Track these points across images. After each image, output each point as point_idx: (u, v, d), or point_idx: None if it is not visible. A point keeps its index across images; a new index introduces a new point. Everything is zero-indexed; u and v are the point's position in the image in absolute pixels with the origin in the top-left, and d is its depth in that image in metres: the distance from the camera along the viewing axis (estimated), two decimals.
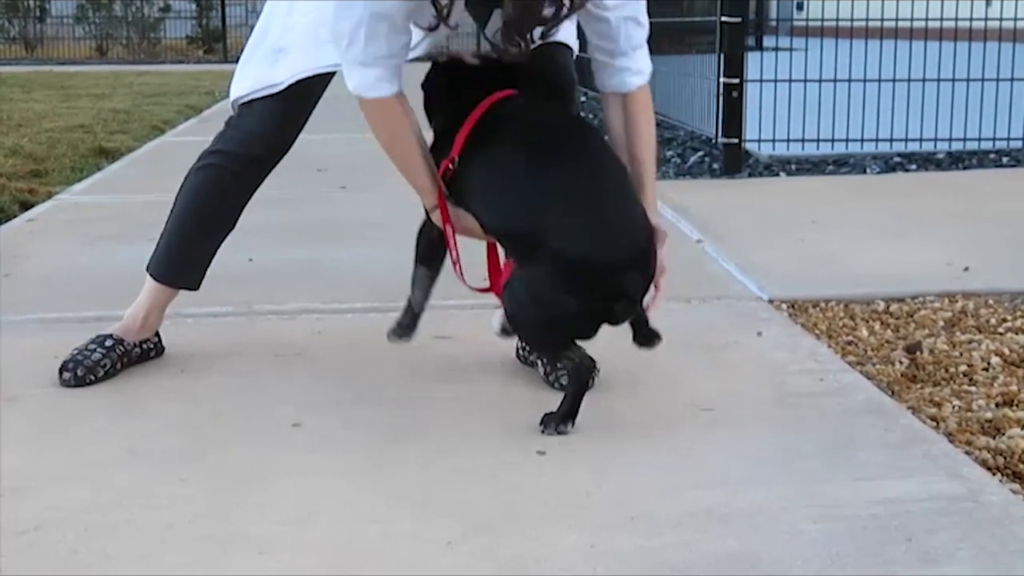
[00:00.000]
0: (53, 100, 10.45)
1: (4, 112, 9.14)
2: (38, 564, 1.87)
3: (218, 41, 20.21)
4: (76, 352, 2.77)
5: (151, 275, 2.89)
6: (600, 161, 2.40)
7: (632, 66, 2.48)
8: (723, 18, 5.74)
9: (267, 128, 2.75)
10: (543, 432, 2.39)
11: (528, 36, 2.31)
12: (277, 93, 2.71)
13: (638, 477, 2.20)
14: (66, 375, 2.72)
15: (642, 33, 2.48)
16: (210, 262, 2.91)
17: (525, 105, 2.48)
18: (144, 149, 7.25)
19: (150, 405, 2.62)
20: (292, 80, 2.68)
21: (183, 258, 2.88)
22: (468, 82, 2.53)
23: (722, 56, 5.81)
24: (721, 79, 5.81)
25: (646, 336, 2.41)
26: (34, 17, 20.42)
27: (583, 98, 9.64)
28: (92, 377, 2.73)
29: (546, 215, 2.30)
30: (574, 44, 2.73)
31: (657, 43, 7.54)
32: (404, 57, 2.42)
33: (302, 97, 2.73)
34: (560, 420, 2.40)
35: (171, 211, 2.87)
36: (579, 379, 2.40)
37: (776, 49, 6.22)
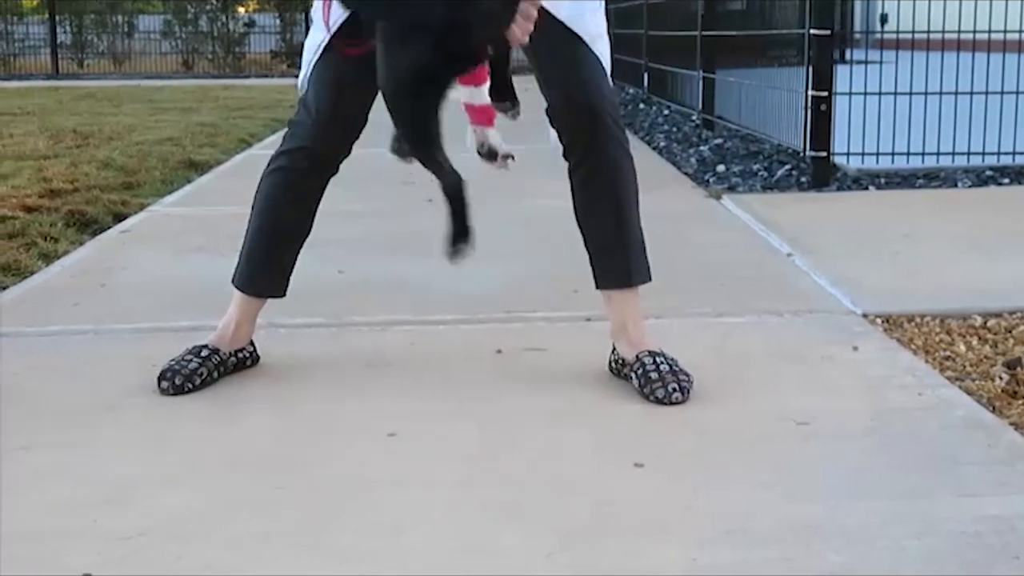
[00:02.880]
0: (142, 114, 10.63)
1: (95, 125, 9.31)
2: (144, 570, 1.90)
3: (301, 56, 20.41)
4: (173, 362, 2.81)
5: (235, 286, 2.92)
6: None
7: None
8: (812, 30, 5.69)
9: (318, 115, 2.77)
10: (448, 254, 2.45)
11: None
12: (312, 75, 2.78)
13: (736, 490, 2.18)
14: (165, 384, 2.75)
15: None
16: (292, 268, 2.93)
17: None
18: (232, 162, 7.34)
19: (246, 414, 2.64)
20: (315, 54, 2.77)
21: (264, 266, 2.91)
22: None
23: (810, 69, 5.77)
24: (809, 92, 5.76)
25: (457, 234, 2.45)
26: (122, 32, 20.78)
27: (666, 110, 9.60)
28: (190, 385, 2.76)
29: None
30: (603, 55, 2.74)
31: (742, 56, 7.51)
32: None
33: (337, 76, 2.74)
34: (452, 242, 2.44)
35: (249, 220, 2.91)
36: (452, 194, 2.41)
37: (865, 62, 6.15)
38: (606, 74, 2.75)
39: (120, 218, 5.28)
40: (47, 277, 4.08)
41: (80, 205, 5.40)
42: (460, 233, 2.46)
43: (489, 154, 2.59)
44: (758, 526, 2.02)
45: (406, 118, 2.41)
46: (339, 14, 2.66)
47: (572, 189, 2.79)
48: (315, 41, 2.77)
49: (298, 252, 2.92)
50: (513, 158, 2.66)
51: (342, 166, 2.85)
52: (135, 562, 1.92)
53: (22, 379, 2.92)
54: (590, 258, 2.82)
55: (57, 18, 20.34)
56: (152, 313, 3.51)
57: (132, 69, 20.05)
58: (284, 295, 2.94)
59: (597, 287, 2.83)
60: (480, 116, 2.59)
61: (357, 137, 2.82)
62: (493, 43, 2.36)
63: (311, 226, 2.91)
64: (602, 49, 2.75)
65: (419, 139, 2.43)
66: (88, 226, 5.07)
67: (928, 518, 2.04)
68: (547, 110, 2.72)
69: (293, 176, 2.82)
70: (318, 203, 2.88)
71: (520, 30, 2.40)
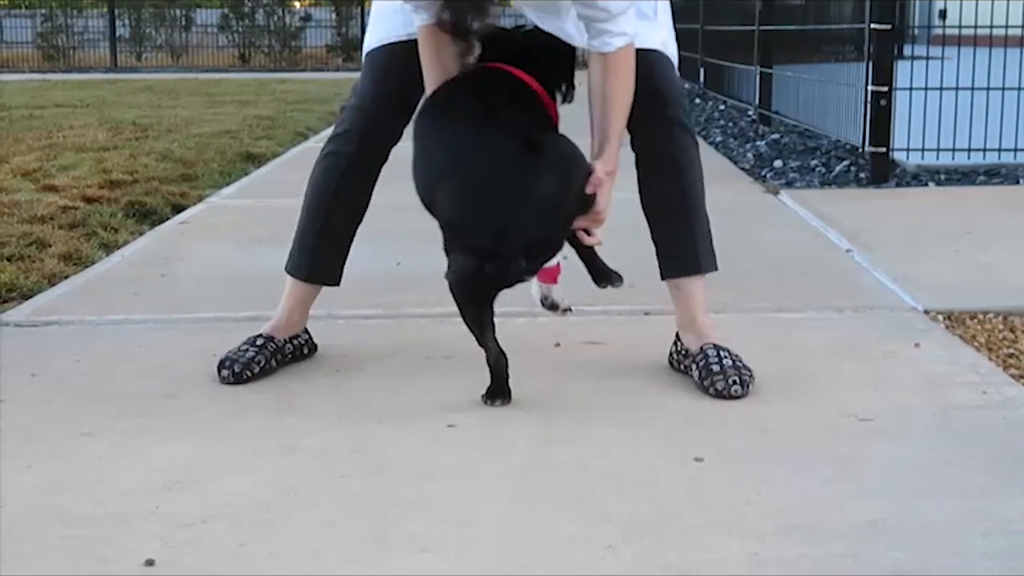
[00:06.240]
0: (199, 106, 10.72)
1: (154, 118, 9.40)
2: (207, 556, 1.91)
3: (357, 49, 20.43)
4: (232, 352, 2.83)
5: (288, 272, 2.93)
6: (491, 138, 2.47)
7: (613, 29, 2.55)
8: (873, 25, 5.64)
9: (362, 98, 2.82)
10: (485, 403, 2.59)
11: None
12: (364, 63, 2.86)
13: (798, 486, 2.16)
14: (224, 372, 2.77)
15: (620, 2, 2.54)
16: (344, 256, 2.93)
17: (468, 80, 2.58)
18: (289, 154, 7.39)
19: (307, 403, 2.65)
20: (367, 49, 2.86)
21: (314, 252, 2.91)
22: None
23: (870, 64, 5.71)
24: (869, 87, 5.71)
25: (599, 274, 2.64)
26: (180, 26, 20.97)
27: (722, 105, 9.56)
28: (249, 373, 2.78)
29: (435, 188, 2.50)
30: (668, 50, 2.76)
31: (799, 51, 7.45)
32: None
33: (384, 63, 2.80)
34: (490, 397, 2.59)
35: (302, 208, 2.92)
36: (495, 369, 2.58)
37: (927, 58, 6.09)
38: (673, 66, 2.75)
39: (179, 209, 5.32)
40: (108, 267, 4.12)
41: (140, 196, 5.45)
42: (497, 392, 2.60)
43: (551, 306, 2.74)
44: (821, 522, 2.00)
45: (460, 304, 2.56)
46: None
47: (639, 179, 2.78)
48: (377, 36, 2.81)
49: (350, 240, 2.92)
50: (571, 310, 2.78)
51: (402, 159, 2.85)
52: (198, 549, 1.93)
53: (84, 367, 2.95)
54: (656, 248, 2.81)
55: (116, 12, 20.56)
56: (211, 303, 3.54)
57: (189, 62, 20.23)
58: (338, 284, 2.94)
59: (663, 278, 2.81)
60: (545, 276, 2.70)
61: (403, 123, 2.81)
62: (536, 268, 2.52)
63: (362, 214, 2.90)
64: (668, 42, 2.75)
65: (472, 322, 2.57)
66: (147, 217, 5.12)
67: (995, 517, 2.02)
68: None
69: (341, 161, 2.84)
70: (369, 190, 2.88)
71: (594, 235, 2.57)
